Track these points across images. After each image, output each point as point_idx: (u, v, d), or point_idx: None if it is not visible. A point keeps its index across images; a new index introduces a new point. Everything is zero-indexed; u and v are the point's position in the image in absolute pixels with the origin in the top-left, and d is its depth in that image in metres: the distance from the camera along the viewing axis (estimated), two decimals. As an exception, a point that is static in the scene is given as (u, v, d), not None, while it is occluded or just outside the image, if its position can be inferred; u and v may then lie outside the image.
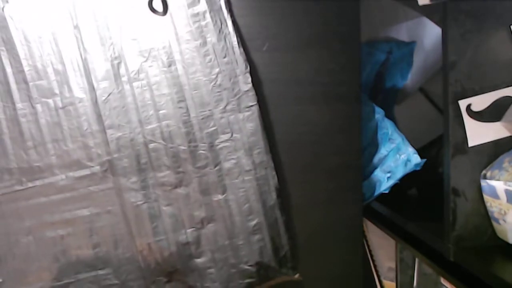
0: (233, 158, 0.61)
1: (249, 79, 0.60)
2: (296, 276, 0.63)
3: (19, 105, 0.59)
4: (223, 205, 0.61)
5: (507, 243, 0.52)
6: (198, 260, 0.61)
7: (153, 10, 0.58)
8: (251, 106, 0.60)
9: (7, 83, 0.59)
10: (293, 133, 0.64)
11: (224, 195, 0.61)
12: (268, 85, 0.62)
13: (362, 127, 0.67)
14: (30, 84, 0.59)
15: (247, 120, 0.60)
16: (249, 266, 0.61)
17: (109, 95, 0.59)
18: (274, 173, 0.61)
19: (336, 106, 0.64)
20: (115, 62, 0.59)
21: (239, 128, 0.60)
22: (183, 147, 0.60)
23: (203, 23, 0.59)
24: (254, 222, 0.61)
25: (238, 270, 0.61)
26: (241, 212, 0.61)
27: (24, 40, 0.58)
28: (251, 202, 0.61)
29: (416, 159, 0.69)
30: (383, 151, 0.75)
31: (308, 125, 0.64)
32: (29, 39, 0.58)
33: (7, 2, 0.57)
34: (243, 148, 0.61)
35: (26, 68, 0.59)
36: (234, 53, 0.60)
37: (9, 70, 0.59)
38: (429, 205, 0.77)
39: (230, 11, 0.59)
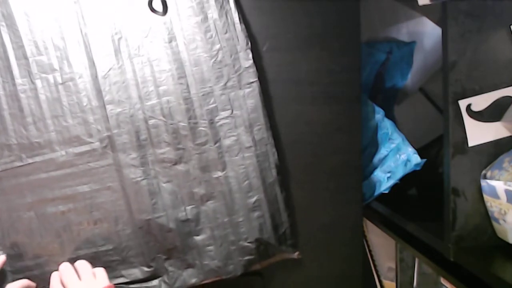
0: (233, 135, 0.61)
1: (250, 55, 0.59)
2: (296, 254, 0.63)
3: (18, 80, 0.59)
4: (223, 182, 0.61)
5: (507, 243, 0.52)
6: (198, 238, 0.61)
7: (153, 10, 0.58)
8: (252, 82, 0.60)
9: (7, 59, 0.58)
10: (293, 133, 0.64)
11: (224, 172, 0.61)
12: (268, 85, 0.62)
13: (362, 127, 0.67)
14: (30, 59, 0.59)
15: (248, 97, 0.60)
16: (248, 243, 0.61)
17: (109, 70, 0.59)
18: (274, 150, 0.61)
19: (336, 106, 0.65)
20: (116, 37, 0.59)
21: (240, 104, 0.60)
22: (183, 124, 0.60)
23: (204, -2, 0.59)
24: (254, 199, 0.61)
25: (238, 247, 0.61)
26: (241, 189, 0.61)
27: (24, 15, 0.58)
28: (251, 179, 0.61)
29: (416, 159, 0.69)
30: (383, 151, 0.75)
31: (308, 125, 0.65)
32: (29, 14, 0.58)
33: (7, -24, 0.57)
34: (244, 125, 0.60)
35: (26, 43, 0.58)
36: (235, 29, 0.59)
37: (9, 45, 0.58)
38: (429, 205, 0.77)
39: (232, -14, 0.59)
